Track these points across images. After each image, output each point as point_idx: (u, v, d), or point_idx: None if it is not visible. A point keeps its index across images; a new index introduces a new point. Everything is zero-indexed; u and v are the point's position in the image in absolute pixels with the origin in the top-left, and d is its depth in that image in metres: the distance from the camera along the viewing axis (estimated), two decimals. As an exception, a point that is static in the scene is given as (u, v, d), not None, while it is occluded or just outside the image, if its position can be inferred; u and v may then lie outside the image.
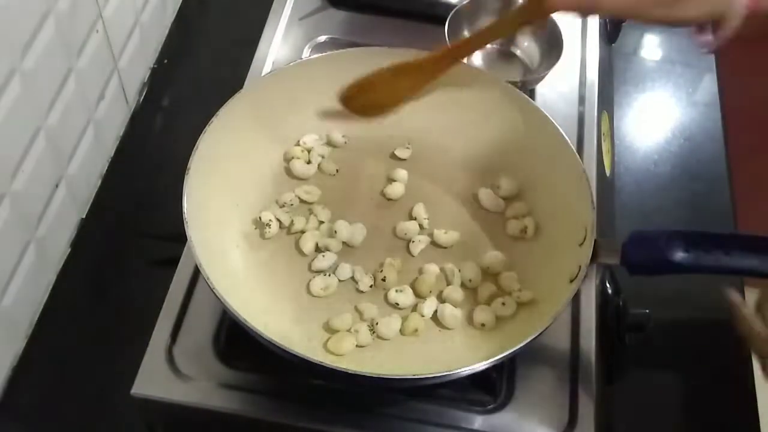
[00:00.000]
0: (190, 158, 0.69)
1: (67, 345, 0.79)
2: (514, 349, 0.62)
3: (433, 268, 0.74)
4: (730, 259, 0.62)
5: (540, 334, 0.63)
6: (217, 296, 0.62)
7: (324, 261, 0.73)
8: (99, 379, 0.76)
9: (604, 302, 0.77)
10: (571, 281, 0.66)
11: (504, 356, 0.62)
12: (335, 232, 0.75)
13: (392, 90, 0.76)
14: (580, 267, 0.66)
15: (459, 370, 0.62)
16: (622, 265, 0.66)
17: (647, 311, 0.76)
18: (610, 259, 0.67)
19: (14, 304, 0.74)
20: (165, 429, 0.75)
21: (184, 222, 0.65)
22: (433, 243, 0.76)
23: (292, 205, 0.77)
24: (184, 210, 0.66)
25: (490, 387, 0.71)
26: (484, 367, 0.62)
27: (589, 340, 0.73)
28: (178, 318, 0.72)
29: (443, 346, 0.70)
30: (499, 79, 0.81)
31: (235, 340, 0.69)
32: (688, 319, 0.85)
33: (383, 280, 0.72)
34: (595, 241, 0.67)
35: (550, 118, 0.76)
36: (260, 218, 0.75)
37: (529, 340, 0.62)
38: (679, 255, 0.63)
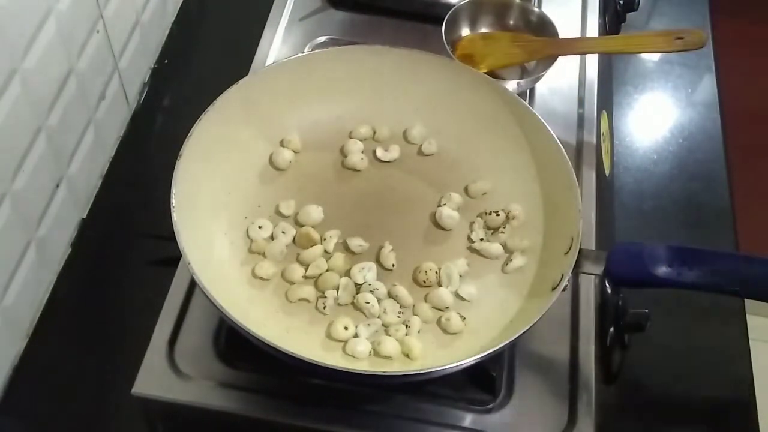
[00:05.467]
0: (183, 144, 0.70)
1: (67, 344, 0.79)
2: (486, 352, 0.62)
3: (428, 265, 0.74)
4: (712, 277, 0.62)
5: (514, 340, 0.63)
6: (194, 277, 0.62)
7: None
8: (99, 379, 0.76)
9: (603, 302, 0.77)
10: (553, 289, 0.66)
11: (475, 359, 0.62)
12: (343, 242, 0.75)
13: (502, 52, 0.88)
14: (562, 275, 0.66)
15: (435, 369, 0.62)
16: (604, 276, 0.67)
17: (646, 311, 0.76)
18: (593, 270, 0.67)
19: (15, 304, 0.74)
20: (165, 428, 0.75)
21: (171, 207, 0.66)
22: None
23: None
24: (173, 195, 0.66)
25: (490, 386, 0.71)
26: (460, 367, 0.63)
27: (588, 340, 0.74)
28: (179, 317, 0.72)
29: (439, 345, 0.70)
30: (493, 80, 0.81)
31: (236, 340, 0.69)
32: (687, 318, 0.85)
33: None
34: (579, 250, 0.67)
35: (544, 123, 0.76)
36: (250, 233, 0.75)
37: (502, 345, 0.62)
38: (662, 270, 0.63)
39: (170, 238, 0.64)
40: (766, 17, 2.10)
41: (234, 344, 0.71)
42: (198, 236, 0.69)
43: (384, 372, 0.65)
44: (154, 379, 0.68)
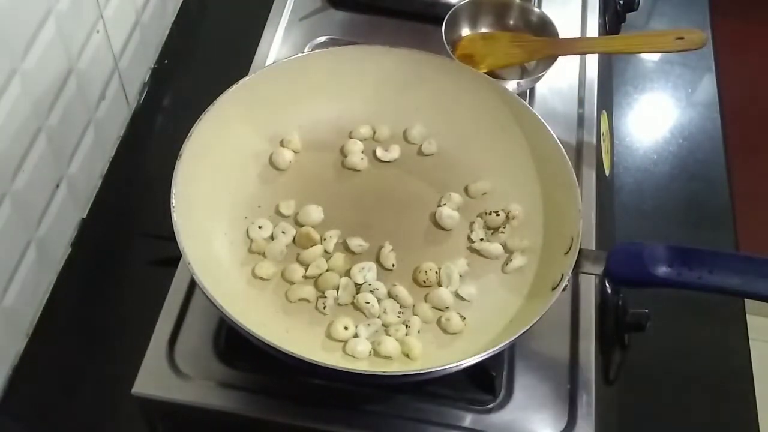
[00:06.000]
0: (183, 145, 0.70)
1: (67, 344, 0.79)
2: (486, 352, 0.62)
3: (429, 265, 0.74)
4: (712, 277, 0.61)
5: (514, 339, 0.63)
6: (194, 277, 0.62)
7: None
8: (99, 379, 0.76)
9: (603, 302, 0.77)
10: (553, 289, 0.66)
11: (475, 359, 0.62)
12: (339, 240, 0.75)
13: (502, 51, 0.89)
14: (562, 275, 0.66)
15: (435, 369, 0.62)
16: (604, 276, 0.67)
17: (646, 311, 0.76)
18: (593, 270, 0.67)
19: (15, 304, 0.74)
20: (165, 428, 0.75)
21: (171, 207, 0.66)
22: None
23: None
24: (173, 195, 0.66)
25: (490, 386, 0.71)
26: (460, 367, 0.63)
27: (588, 340, 0.73)
28: (179, 317, 0.72)
29: (439, 345, 0.70)
30: (493, 80, 0.81)
31: (236, 340, 0.69)
32: (687, 318, 0.85)
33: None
34: (579, 250, 0.67)
35: (544, 123, 0.75)
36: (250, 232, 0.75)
37: (502, 345, 0.62)
38: (662, 270, 0.63)
39: (170, 238, 0.64)
40: (766, 17, 2.10)
41: (234, 344, 0.70)
42: (198, 236, 0.69)
43: (384, 372, 0.65)
44: (154, 379, 0.68)
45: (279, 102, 0.79)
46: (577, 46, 0.92)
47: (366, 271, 0.72)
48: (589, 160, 0.86)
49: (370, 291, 0.71)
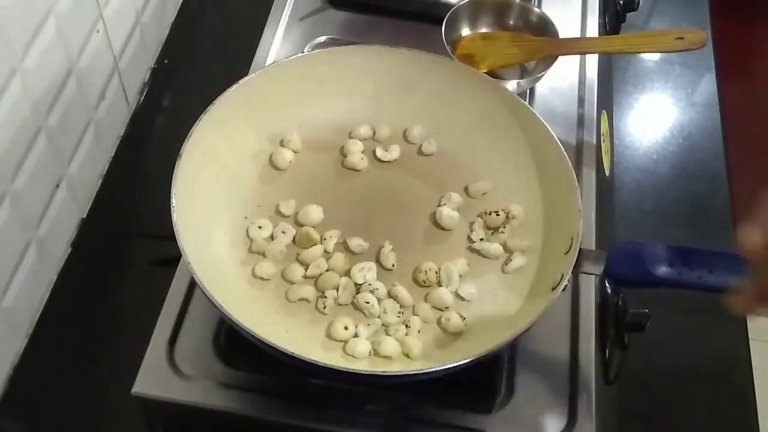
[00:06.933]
0: (183, 145, 0.70)
1: (67, 344, 0.79)
2: (486, 351, 0.62)
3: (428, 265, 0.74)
4: (713, 277, 0.61)
5: (513, 339, 0.63)
6: (194, 277, 0.62)
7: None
8: (99, 379, 0.76)
9: (603, 302, 0.77)
10: (553, 289, 0.66)
11: (475, 358, 0.62)
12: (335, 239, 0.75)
13: (502, 51, 0.90)
14: (562, 275, 0.66)
15: (435, 369, 0.62)
16: (604, 276, 0.67)
17: (646, 311, 0.76)
18: (593, 270, 0.67)
19: (15, 304, 0.74)
20: (165, 428, 0.75)
21: (171, 207, 0.66)
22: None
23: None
24: (173, 195, 0.66)
25: (490, 386, 0.71)
26: (458, 367, 0.62)
27: (588, 340, 0.74)
28: (179, 317, 0.72)
29: (439, 345, 0.70)
30: (493, 80, 0.81)
31: (236, 340, 0.69)
32: (687, 318, 0.85)
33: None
34: (579, 250, 0.67)
35: (544, 123, 0.75)
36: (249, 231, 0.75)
37: (502, 345, 0.62)
38: (663, 270, 0.63)
39: (170, 238, 0.64)
40: (766, 17, 2.10)
41: (234, 344, 0.70)
42: (198, 236, 0.69)
43: (384, 372, 0.65)
44: (154, 379, 0.68)
45: (279, 102, 0.79)
46: (577, 46, 0.92)
47: (366, 271, 0.72)
48: (589, 160, 0.86)
49: (370, 291, 0.71)
